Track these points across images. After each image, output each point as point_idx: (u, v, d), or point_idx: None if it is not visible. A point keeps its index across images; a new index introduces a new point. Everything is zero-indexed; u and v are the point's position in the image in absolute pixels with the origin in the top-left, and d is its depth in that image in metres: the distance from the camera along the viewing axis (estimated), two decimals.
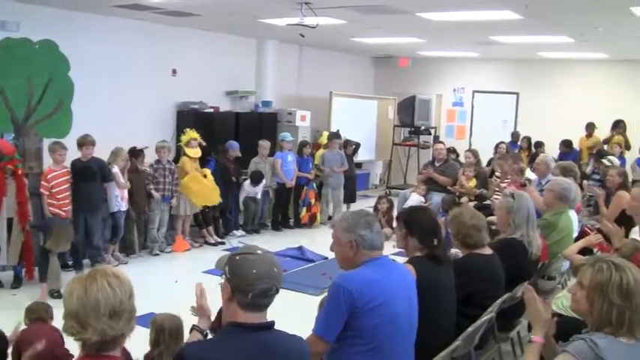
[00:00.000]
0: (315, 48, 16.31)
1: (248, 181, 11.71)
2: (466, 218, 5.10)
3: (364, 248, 3.82)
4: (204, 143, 10.87)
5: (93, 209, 8.98)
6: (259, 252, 2.95)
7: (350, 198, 13.78)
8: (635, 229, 6.22)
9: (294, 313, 5.09)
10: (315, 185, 12.91)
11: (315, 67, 16.59)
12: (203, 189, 10.62)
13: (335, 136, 13.54)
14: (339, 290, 3.62)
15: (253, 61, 14.91)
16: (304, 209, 12.68)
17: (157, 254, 10.23)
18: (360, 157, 15.29)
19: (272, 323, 2.90)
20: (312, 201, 12.76)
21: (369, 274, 3.72)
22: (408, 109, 17.18)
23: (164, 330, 4.24)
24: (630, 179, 10.52)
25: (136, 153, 9.98)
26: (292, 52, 15.94)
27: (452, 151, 13.21)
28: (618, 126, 14.92)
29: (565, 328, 3.34)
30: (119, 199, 9.42)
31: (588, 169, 12.05)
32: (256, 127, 13.88)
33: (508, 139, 15.93)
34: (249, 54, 14.79)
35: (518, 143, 15.88)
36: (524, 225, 5.80)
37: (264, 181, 11.79)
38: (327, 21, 10.71)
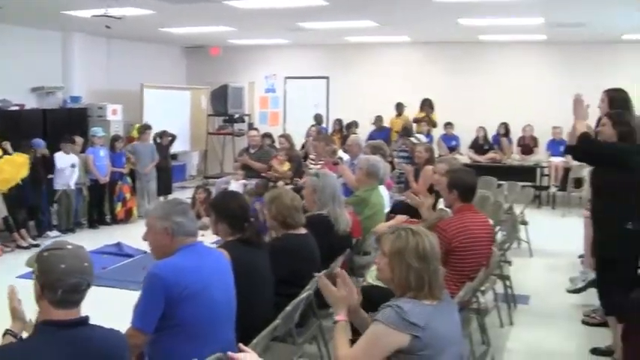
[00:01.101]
0: (124, 40, 15.96)
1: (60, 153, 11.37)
2: (287, 200, 5.18)
3: (180, 235, 3.80)
4: (10, 151, 10.40)
5: None
6: (69, 247, 2.86)
7: (165, 190, 13.64)
8: (441, 200, 6.56)
9: (116, 310, 4.97)
10: (129, 179, 12.69)
11: (125, 60, 16.24)
12: (11, 166, 10.14)
13: (147, 128, 13.39)
14: (154, 280, 3.60)
15: (59, 56, 14.44)
16: (119, 204, 12.44)
17: None
18: (175, 148, 15.12)
19: (86, 318, 2.82)
20: (127, 195, 12.54)
21: (183, 261, 3.72)
22: (220, 98, 17.25)
23: None
24: (437, 155, 11.03)
25: None
26: (100, 45, 15.53)
27: (268, 136, 13.34)
28: (425, 104, 15.56)
29: (380, 299, 3.39)
30: None
31: (393, 147, 12.50)
32: (66, 123, 13.39)
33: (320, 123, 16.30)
34: (54, 48, 14.30)
35: (324, 125, 16.28)
36: (330, 202, 5.98)
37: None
38: (133, 11, 10.55)
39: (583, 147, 5.55)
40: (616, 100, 5.86)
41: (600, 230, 5.71)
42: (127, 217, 12.55)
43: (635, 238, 5.34)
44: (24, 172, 10.32)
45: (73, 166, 11.39)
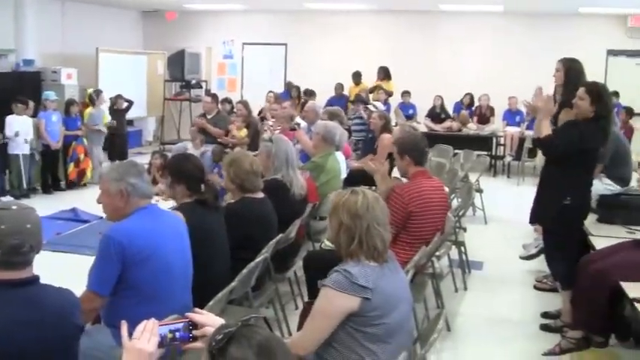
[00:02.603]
0: (79, 2, 15.70)
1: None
2: (245, 164, 5.14)
3: (135, 196, 3.77)
4: None
5: None
6: (14, 207, 2.80)
7: (121, 156, 13.44)
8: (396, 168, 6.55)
9: (72, 275, 4.93)
10: (85, 140, 12.53)
11: (81, 23, 15.94)
12: None
13: (97, 93, 13.32)
14: (109, 242, 3.57)
15: (11, 17, 14.05)
16: (72, 165, 12.25)
17: None
18: (131, 113, 14.93)
19: (34, 278, 2.78)
20: (81, 156, 12.35)
21: (138, 223, 3.70)
22: (177, 63, 17.12)
23: None
24: (394, 123, 11.05)
25: None
26: (54, 7, 15.24)
27: (228, 101, 13.27)
28: (381, 73, 15.58)
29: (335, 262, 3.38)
30: None
31: (349, 115, 12.49)
32: (17, 87, 12.98)
33: (278, 89, 16.15)
34: (5, 10, 13.91)
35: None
36: (283, 166, 6.02)
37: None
38: None
39: (547, 150, 5.55)
40: (572, 70, 5.81)
41: (540, 200, 5.75)
42: (80, 178, 12.39)
43: (573, 211, 5.37)
44: None
45: (16, 135, 11.13)
